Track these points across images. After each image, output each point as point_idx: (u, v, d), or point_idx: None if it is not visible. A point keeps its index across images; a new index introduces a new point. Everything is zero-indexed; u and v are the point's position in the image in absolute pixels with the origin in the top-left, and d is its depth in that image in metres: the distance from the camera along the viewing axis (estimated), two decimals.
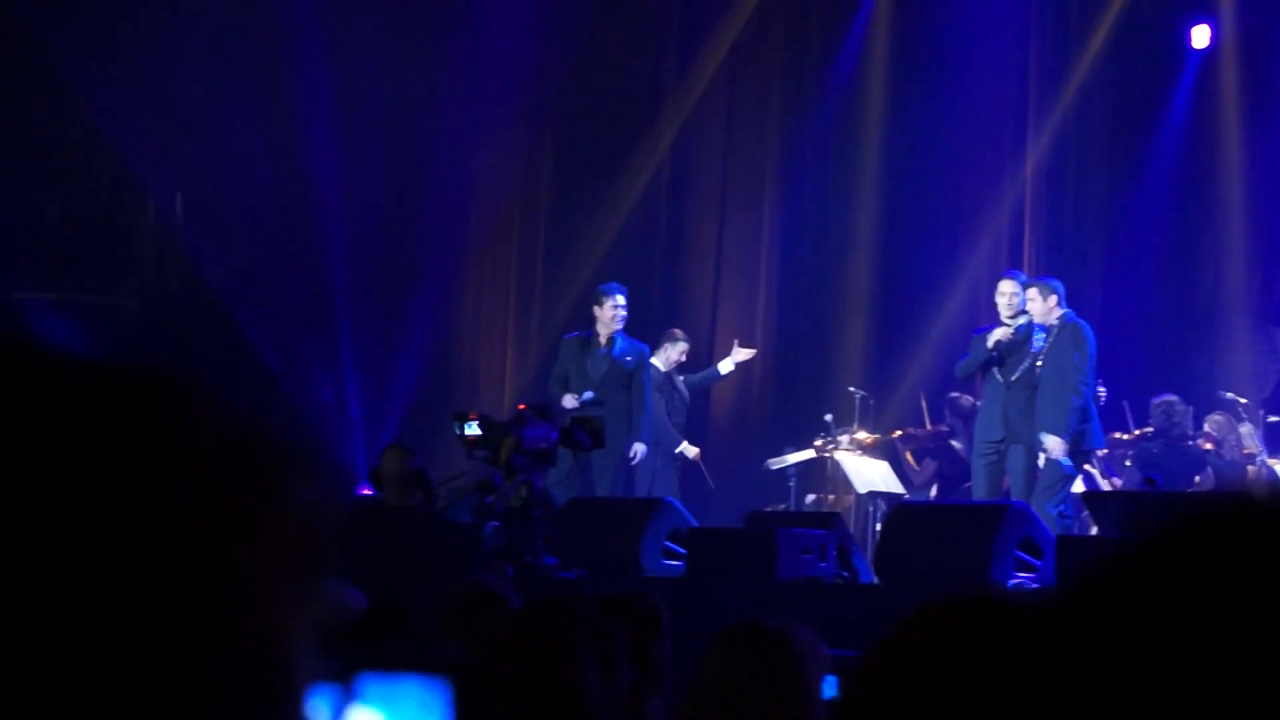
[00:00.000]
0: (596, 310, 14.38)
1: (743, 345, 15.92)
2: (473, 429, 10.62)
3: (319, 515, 0.99)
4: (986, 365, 13.52)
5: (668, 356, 15.25)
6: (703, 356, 16.10)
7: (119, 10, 15.56)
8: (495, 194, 17.55)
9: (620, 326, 14.30)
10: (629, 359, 14.25)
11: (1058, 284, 13.55)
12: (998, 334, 13.41)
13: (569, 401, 13.93)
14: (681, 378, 15.50)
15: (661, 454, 14.74)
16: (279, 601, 0.95)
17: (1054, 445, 13.09)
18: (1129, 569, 0.95)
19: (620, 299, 14.33)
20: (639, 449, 14.16)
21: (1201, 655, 0.90)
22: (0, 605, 0.88)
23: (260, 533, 0.95)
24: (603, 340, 14.28)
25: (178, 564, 0.92)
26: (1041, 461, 13.22)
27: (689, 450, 15.35)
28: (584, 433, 10.83)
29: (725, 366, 15.80)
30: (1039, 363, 13.30)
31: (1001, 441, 13.42)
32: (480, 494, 10.40)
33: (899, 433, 16.07)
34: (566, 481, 13.29)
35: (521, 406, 10.81)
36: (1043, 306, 13.36)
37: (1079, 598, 0.95)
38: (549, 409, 10.88)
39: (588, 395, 14.00)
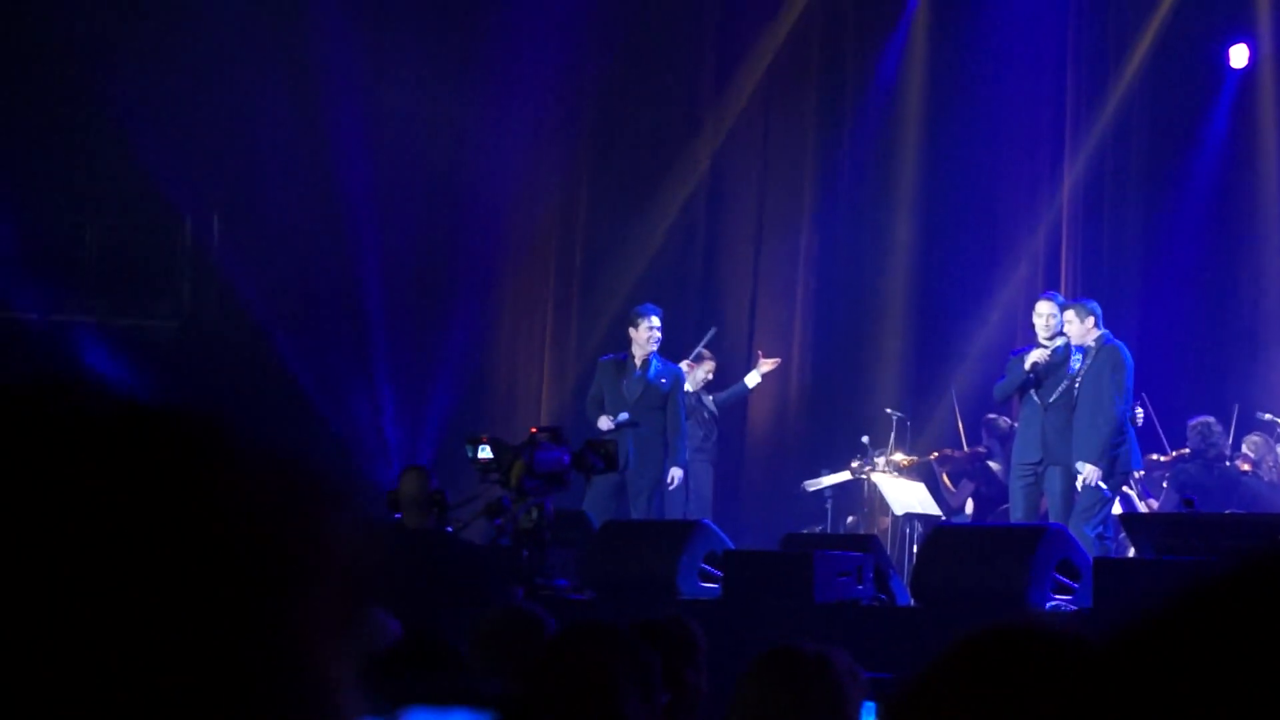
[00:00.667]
0: (632, 332, 14.33)
1: (766, 356, 15.83)
2: (484, 452, 10.60)
3: (360, 546, 0.98)
4: (1024, 387, 13.48)
5: (694, 376, 15.23)
6: (739, 378, 16.05)
7: (154, 33, 15.62)
8: (531, 214, 17.56)
9: (656, 348, 14.25)
10: (664, 381, 14.20)
11: (1095, 305, 13.51)
12: (1035, 355, 13.36)
13: (604, 423, 13.91)
14: (710, 396, 15.47)
15: (691, 473, 14.67)
16: (323, 635, 0.95)
17: (1090, 473, 13.05)
18: (1187, 611, 0.93)
19: (656, 320, 14.28)
20: (676, 474, 14.12)
21: (1256, 704, 0.88)
22: (43, 639, 0.88)
23: (302, 567, 0.95)
24: (638, 362, 14.24)
25: (222, 602, 0.91)
26: (1079, 483, 13.17)
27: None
28: (597, 456, 10.79)
29: (752, 379, 15.73)
30: (1077, 384, 13.25)
31: (1039, 463, 13.38)
32: (489, 516, 10.38)
33: (936, 454, 16.03)
34: (585, 502, 13.24)
35: (534, 430, 10.79)
36: (1080, 328, 13.31)
37: (1134, 641, 0.94)
38: (562, 432, 10.84)
39: (623, 417, 13.96)
